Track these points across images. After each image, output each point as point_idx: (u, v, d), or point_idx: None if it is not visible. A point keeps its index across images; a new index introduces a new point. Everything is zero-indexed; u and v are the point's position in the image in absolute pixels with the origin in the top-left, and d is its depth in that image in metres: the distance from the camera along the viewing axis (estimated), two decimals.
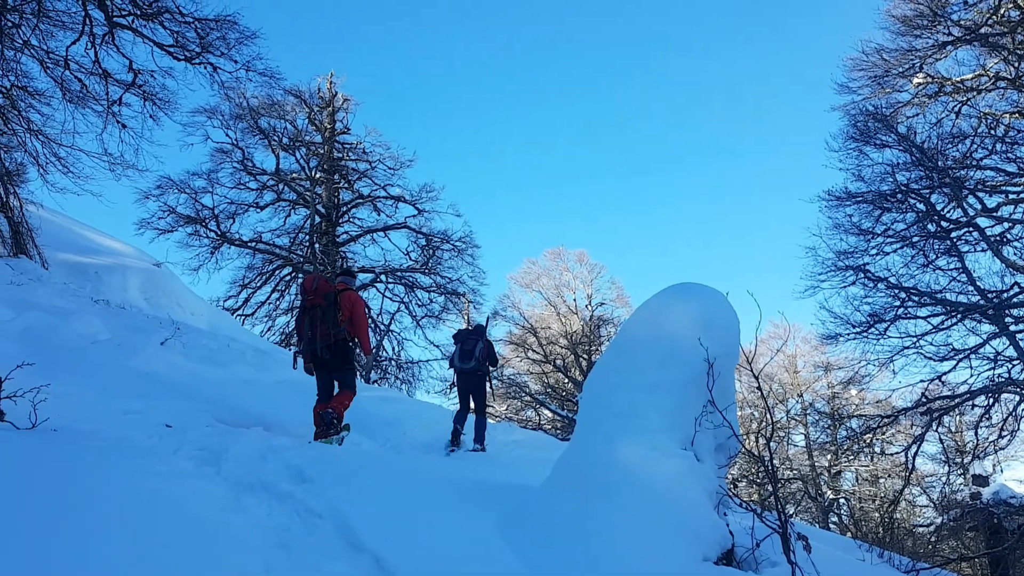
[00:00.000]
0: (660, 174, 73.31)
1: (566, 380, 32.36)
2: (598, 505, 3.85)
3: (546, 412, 31.75)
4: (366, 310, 7.79)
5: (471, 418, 9.56)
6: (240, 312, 27.05)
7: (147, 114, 15.13)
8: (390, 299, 28.53)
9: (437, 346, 28.20)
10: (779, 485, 4.22)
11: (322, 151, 28.68)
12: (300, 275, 28.07)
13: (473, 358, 9.28)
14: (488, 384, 9.58)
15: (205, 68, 15.03)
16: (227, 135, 26.56)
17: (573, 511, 3.95)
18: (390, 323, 28.04)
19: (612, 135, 74.27)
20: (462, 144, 73.54)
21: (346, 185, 29.15)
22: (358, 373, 7.96)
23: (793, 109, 68.48)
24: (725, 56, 72.57)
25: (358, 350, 7.50)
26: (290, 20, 61.10)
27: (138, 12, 14.37)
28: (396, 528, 3.99)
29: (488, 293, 33.33)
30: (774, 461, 4.39)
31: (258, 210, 27.94)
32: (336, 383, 7.40)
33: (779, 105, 70.44)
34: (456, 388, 9.57)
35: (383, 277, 28.41)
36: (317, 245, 27.49)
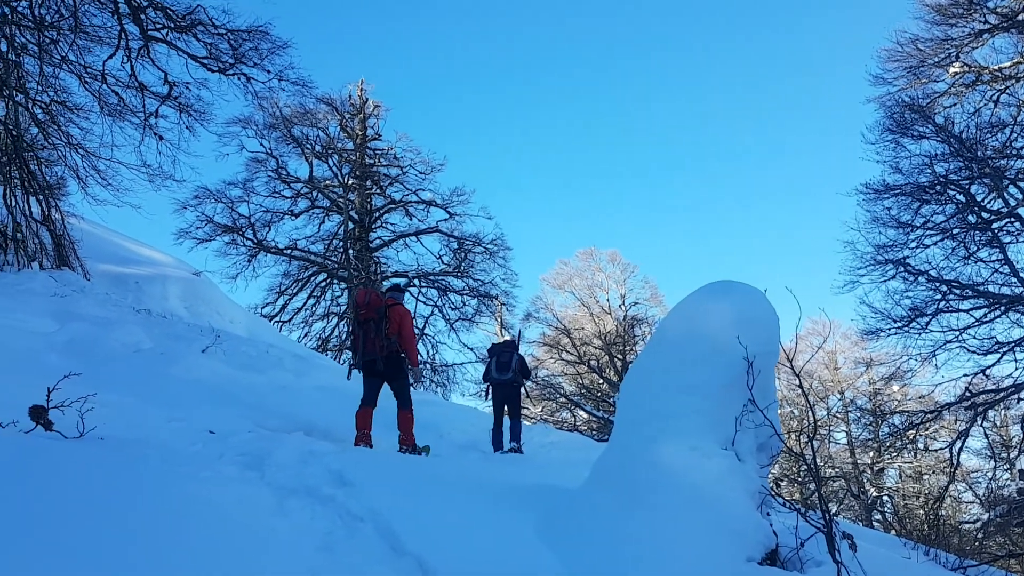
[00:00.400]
0: (683, 173, 72.80)
1: (601, 381, 32.24)
2: (638, 506, 3.83)
3: (581, 413, 31.68)
4: (414, 323, 8.06)
5: (505, 423, 9.79)
6: (277, 319, 27.41)
7: (183, 125, 15.41)
8: (423, 303, 28.71)
9: (471, 349, 28.36)
10: (822, 483, 4.17)
11: (354, 158, 28.94)
12: (334, 280, 28.38)
13: (510, 370, 9.65)
14: (525, 393, 9.96)
15: (239, 79, 15.27)
16: (261, 144, 26.99)
17: (613, 512, 3.94)
18: (424, 327, 28.21)
19: (624, 135, 73.97)
20: (466, 144, 73.64)
21: (378, 191, 29.39)
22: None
23: (817, 104, 67.66)
24: (742, 55, 71.94)
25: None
26: (292, 21, 61.78)
27: (172, 25, 14.64)
28: (437, 531, 4.00)
29: (520, 295, 33.30)
30: (816, 459, 4.34)
31: (293, 218, 28.33)
32: (393, 394, 7.70)
33: (801, 102, 69.63)
34: (492, 399, 9.89)
35: (416, 281, 28.59)
36: (351, 251, 27.74)
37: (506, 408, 9.76)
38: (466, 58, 77.79)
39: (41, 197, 14.14)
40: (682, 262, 66.50)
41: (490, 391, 9.96)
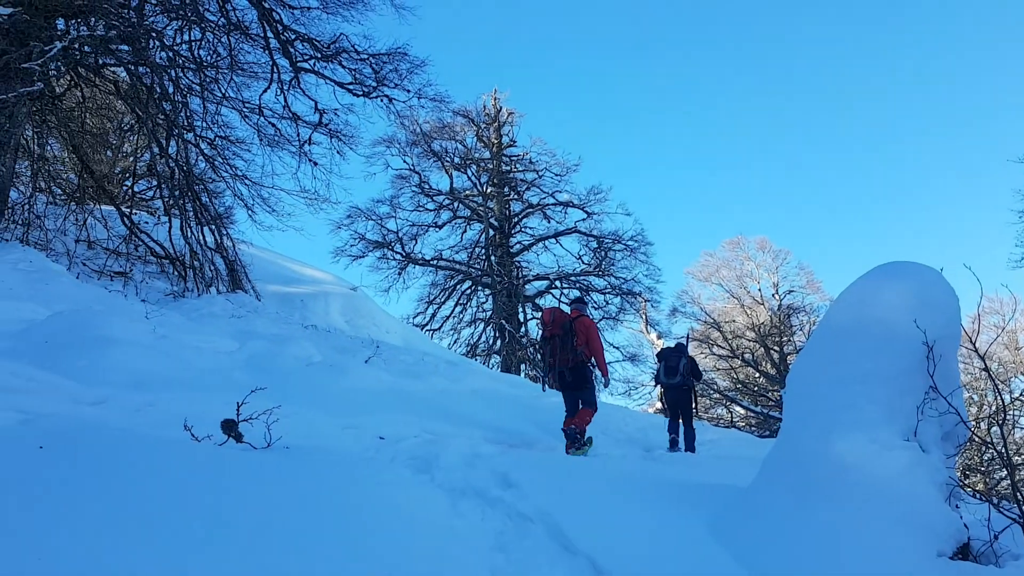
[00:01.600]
0: (834, 155, 69.13)
1: (757, 374, 31.16)
2: (817, 503, 3.70)
3: (738, 409, 30.72)
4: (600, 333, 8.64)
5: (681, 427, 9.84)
6: (428, 327, 28.41)
7: (334, 150, 16.40)
8: (566, 305, 28.82)
9: (617, 347, 28.14)
10: (1014, 471, 3.87)
11: (491, 166, 29.53)
12: (479, 287, 29.07)
13: (678, 373, 9.79)
14: (694, 398, 9.92)
15: (381, 100, 16.02)
16: (404, 161, 28.14)
17: (789, 510, 3.82)
18: None
19: (770, 118, 70.98)
20: (601, 139, 72.93)
21: (516, 196, 29.82)
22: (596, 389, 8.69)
23: (977, 66, 62.37)
24: (895, 30, 67.40)
25: (595, 370, 8.31)
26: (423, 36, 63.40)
27: (319, 55, 15.54)
28: (606, 530, 4.02)
29: (665, 290, 32.72)
30: (1007, 446, 4.05)
31: (437, 229, 29.31)
32: (580, 401, 8.20)
33: (960, 66, 64.42)
34: (665, 401, 10.03)
35: (558, 283, 28.76)
36: (493, 257, 28.31)
37: (679, 411, 9.82)
38: (597, 50, 77.57)
39: (213, 227, 15.35)
40: (839, 247, 63.26)
41: (663, 395, 10.09)
